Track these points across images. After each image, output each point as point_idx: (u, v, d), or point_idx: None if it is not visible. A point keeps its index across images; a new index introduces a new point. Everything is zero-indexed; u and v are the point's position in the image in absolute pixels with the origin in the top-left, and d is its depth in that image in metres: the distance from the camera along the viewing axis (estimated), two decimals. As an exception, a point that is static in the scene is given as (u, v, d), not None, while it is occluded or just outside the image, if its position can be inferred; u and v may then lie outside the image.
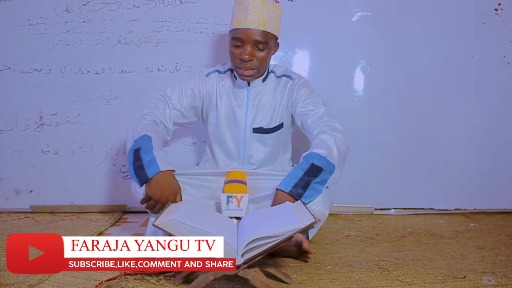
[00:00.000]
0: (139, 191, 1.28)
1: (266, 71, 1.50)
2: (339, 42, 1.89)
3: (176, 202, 1.23)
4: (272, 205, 1.25)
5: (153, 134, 1.33)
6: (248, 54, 1.36)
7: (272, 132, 1.51)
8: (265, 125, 1.50)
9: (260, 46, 1.37)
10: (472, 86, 1.92)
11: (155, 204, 1.23)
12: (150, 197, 1.23)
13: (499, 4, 1.89)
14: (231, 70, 1.51)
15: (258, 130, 1.50)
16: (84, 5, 1.84)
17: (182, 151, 1.92)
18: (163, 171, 1.25)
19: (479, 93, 1.93)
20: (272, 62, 1.85)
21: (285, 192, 1.24)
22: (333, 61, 1.91)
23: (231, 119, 1.50)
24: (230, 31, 1.41)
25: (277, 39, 1.44)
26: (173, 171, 1.28)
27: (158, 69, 1.88)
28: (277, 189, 1.27)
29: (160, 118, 1.43)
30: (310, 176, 1.26)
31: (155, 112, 1.43)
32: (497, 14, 1.90)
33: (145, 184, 1.26)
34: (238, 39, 1.37)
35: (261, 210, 1.24)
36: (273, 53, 1.46)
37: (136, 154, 1.28)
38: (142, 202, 1.27)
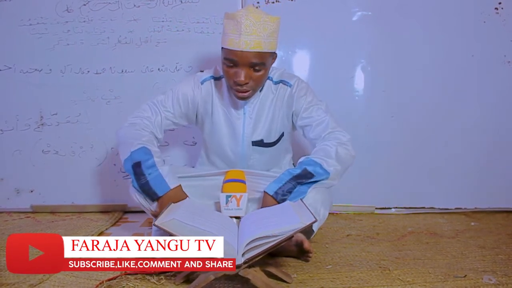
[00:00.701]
0: (146, 205, 1.28)
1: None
2: (340, 42, 1.89)
3: None
4: (262, 207, 1.26)
5: (151, 146, 1.28)
6: (244, 77, 1.26)
7: (273, 146, 1.47)
8: (265, 138, 1.44)
9: (256, 68, 1.27)
10: (473, 85, 1.92)
11: None
12: None
13: (500, 3, 1.89)
14: None
15: (258, 143, 1.45)
16: (84, 5, 1.84)
17: (182, 151, 1.92)
18: (173, 188, 1.23)
19: (480, 92, 1.92)
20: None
21: (270, 195, 1.25)
22: (333, 61, 1.91)
23: (229, 130, 1.44)
24: (222, 47, 1.30)
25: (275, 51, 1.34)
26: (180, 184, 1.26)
27: (159, 69, 1.88)
28: (264, 191, 1.28)
29: (150, 128, 1.34)
30: (299, 180, 1.26)
31: (145, 122, 1.34)
32: (498, 13, 1.89)
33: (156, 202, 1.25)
34: (231, 60, 1.26)
35: (261, 210, 1.25)
36: (271, 64, 1.37)
37: (137, 169, 1.23)
38: (153, 215, 1.27)
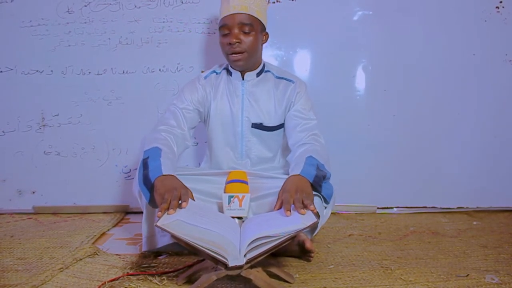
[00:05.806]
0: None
1: (261, 67, 1.52)
2: (341, 41, 1.89)
3: (185, 197, 1.14)
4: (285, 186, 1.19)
5: (164, 147, 1.31)
6: (235, 37, 1.39)
7: (272, 131, 1.52)
8: (266, 122, 1.50)
9: (246, 29, 1.40)
10: (474, 84, 1.92)
11: (162, 200, 1.12)
12: (157, 198, 1.17)
13: (501, 1, 1.89)
14: (227, 69, 1.54)
15: (258, 126, 1.50)
16: (86, 6, 1.85)
17: (184, 151, 1.92)
18: (165, 174, 1.20)
19: (481, 91, 1.92)
20: (273, 61, 1.86)
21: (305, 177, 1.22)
22: (334, 60, 1.91)
23: (228, 114, 1.51)
24: (218, 26, 1.45)
25: (264, 28, 1.47)
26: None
27: (160, 70, 1.88)
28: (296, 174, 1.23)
29: (174, 127, 1.42)
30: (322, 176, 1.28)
31: (168, 122, 1.43)
32: (499, 12, 1.89)
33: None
34: (224, 26, 1.41)
35: (263, 214, 1.24)
36: (263, 42, 1.50)
37: (144, 163, 1.26)
38: (151, 205, 1.25)
